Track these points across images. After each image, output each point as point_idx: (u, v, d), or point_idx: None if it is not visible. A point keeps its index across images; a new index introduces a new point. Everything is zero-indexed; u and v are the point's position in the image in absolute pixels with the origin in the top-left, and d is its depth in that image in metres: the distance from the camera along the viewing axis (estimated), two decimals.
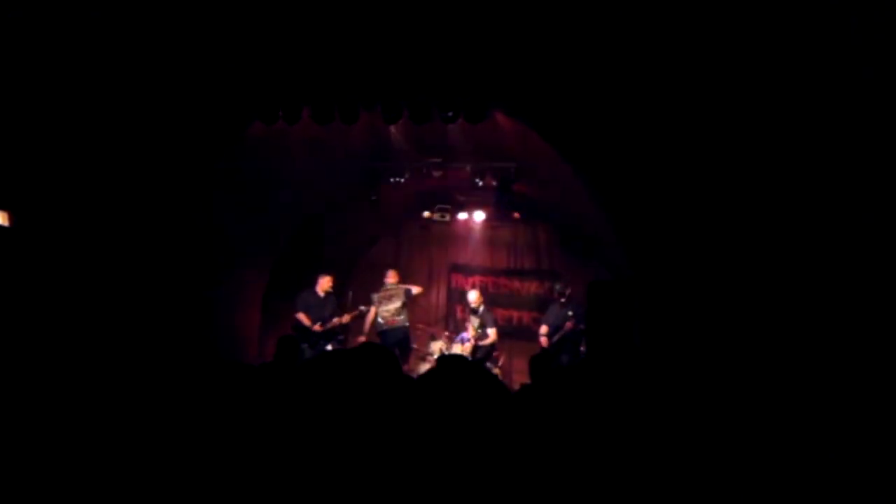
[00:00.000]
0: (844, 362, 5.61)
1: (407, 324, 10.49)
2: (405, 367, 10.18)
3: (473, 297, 10.62)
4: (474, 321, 10.40)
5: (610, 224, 8.05)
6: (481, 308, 10.50)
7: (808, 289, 5.96)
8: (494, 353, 10.40)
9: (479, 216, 11.63)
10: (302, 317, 9.89)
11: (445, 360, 4.23)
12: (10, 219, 7.09)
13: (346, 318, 10.11)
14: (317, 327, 9.83)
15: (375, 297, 10.54)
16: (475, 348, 10.19)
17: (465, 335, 10.48)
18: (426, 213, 11.69)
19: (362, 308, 10.23)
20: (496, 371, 9.99)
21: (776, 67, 5.94)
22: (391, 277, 10.75)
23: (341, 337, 10.19)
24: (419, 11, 6.61)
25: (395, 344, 10.13)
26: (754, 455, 4.40)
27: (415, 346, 10.71)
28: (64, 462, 2.27)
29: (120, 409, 2.42)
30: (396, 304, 10.41)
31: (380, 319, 10.40)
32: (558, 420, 3.00)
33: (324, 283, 10.15)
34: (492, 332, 10.35)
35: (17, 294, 6.71)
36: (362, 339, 10.16)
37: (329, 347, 9.73)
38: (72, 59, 6.95)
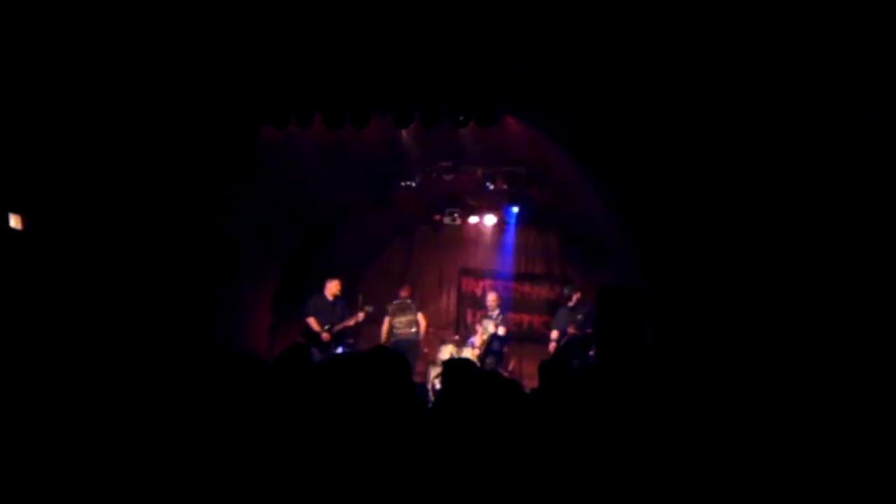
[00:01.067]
0: (858, 366, 5.58)
1: (417, 338, 10.63)
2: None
3: (491, 299, 10.65)
4: (488, 325, 10.38)
5: (621, 228, 8.03)
6: (496, 312, 10.49)
7: (821, 294, 5.92)
8: (504, 351, 10.41)
9: (490, 220, 11.62)
10: (312, 321, 9.91)
11: (452, 363, 4.22)
12: (24, 222, 7.14)
13: (360, 317, 10.12)
14: (325, 335, 9.83)
15: (390, 307, 10.71)
16: (486, 352, 10.18)
17: (473, 339, 10.47)
18: (437, 217, 11.69)
19: (368, 308, 10.22)
20: (506, 375, 9.96)
21: (784, 73, 5.92)
22: (405, 291, 11.01)
23: (351, 341, 10.19)
24: (430, 16, 6.62)
25: (405, 354, 10.15)
26: (765, 458, 4.37)
27: (425, 350, 10.71)
28: (70, 461, 2.27)
29: (127, 409, 2.43)
30: (409, 316, 10.54)
31: (395, 329, 10.51)
32: (567, 424, 2.99)
33: (332, 288, 10.16)
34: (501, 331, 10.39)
35: (30, 295, 6.75)
36: None
37: (339, 351, 9.74)
38: (86, 64, 6.99)
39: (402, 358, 2.04)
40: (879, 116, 5.52)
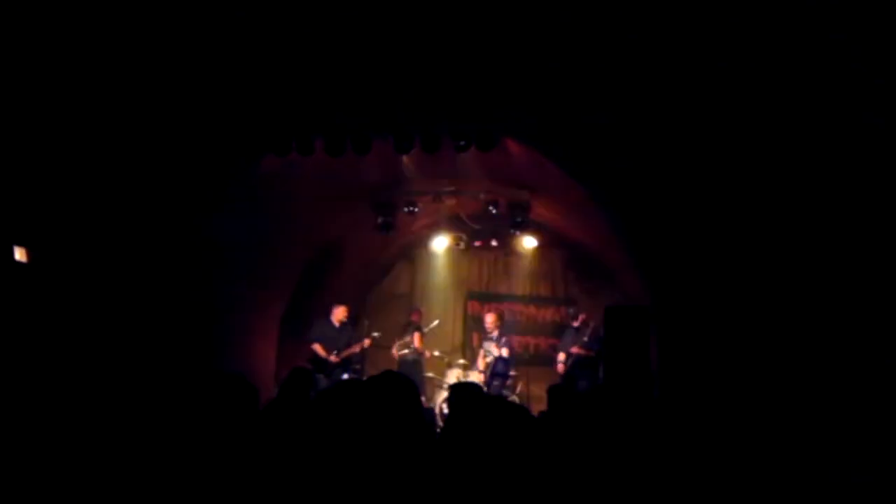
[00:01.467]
0: (867, 383, 5.53)
1: (414, 358, 10.67)
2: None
3: (489, 320, 10.58)
4: (490, 347, 10.33)
5: (624, 248, 8.02)
6: (496, 333, 10.45)
7: (827, 314, 5.89)
8: (509, 381, 10.32)
9: (494, 243, 11.62)
10: (318, 347, 9.89)
11: (458, 388, 4.20)
12: (28, 255, 7.16)
13: (366, 343, 10.10)
14: (333, 357, 9.82)
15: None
16: (491, 375, 10.13)
17: (477, 363, 10.45)
18: (441, 241, 11.70)
19: (375, 335, 10.22)
20: (514, 398, 9.92)
21: (789, 98, 5.93)
22: (415, 316, 11.13)
23: (357, 366, 10.16)
24: (428, 42, 6.66)
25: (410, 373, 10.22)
26: (771, 481, 4.33)
27: (429, 373, 10.67)
28: (71, 475, 2.27)
29: (131, 437, 2.42)
30: (406, 337, 10.77)
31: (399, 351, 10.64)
32: (576, 446, 2.97)
33: (339, 314, 10.16)
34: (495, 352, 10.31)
35: (34, 321, 6.77)
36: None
37: (345, 377, 9.70)
38: (88, 91, 7.04)
39: (410, 382, 2.03)
40: (880, 117, 5.51)
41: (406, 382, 2.01)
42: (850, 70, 5.52)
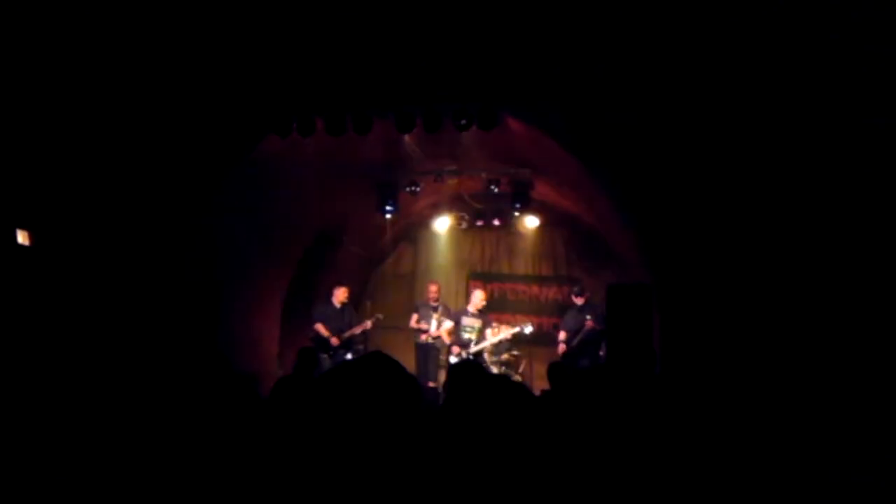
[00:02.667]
0: (868, 366, 5.54)
1: (432, 344, 10.54)
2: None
3: (479, 297, 10.50)
4: (474, 322, 10.29)
5: (627, 227, 8.01)
6: (480, 311, 10.43)
7: (831, 294, 5.89)
8: (512, 358, 10.35)
9: (496, 223, 11.60)
10: (320, 327, 9.93)
11: (458, 367, 4.22)
12: (31, 238, 7.18)
13: (368, 325, 10.12)
14: (334, 339, 9.86)
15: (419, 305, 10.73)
16: (469, 352, 10.12)
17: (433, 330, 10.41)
18: (443, 221, 11.69)
19: (379, 316, 10.24)
20: (517, 377, 9.94)
21: (784, 68, 5.90)
22: (433, 291, 10.79)
23: (360, 347, 10.20)
24: (429, 20, 6.63)
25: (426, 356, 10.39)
26: (772, 459, 4.34)
27: (441, 356, 10.68)
28: (73, 465, 2.28)
29: (133, 419, 2.43)
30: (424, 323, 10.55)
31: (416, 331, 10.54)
32: (578, 423, 2.98)
33: (340, 295, 10.19)
34: (489, 333, 10.24)
35: (36, 306, 6.79)
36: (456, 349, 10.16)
37: (349, 357, 9.74)
38: (88, 75, 7.03)
39: (395, 363, 2.01)
40: (881, 117, 5.51)
41: (389, 363, 1.99)
42: (852, 64, 5.51)
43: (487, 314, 10.62)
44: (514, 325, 10.33)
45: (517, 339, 10.26)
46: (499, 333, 10.17)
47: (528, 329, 10.07)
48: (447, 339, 10.32)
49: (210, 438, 2.12)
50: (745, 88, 6.15)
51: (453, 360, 10.03)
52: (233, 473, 1.97)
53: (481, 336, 10.22)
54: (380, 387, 1.78)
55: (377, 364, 1.83)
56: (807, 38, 5.74)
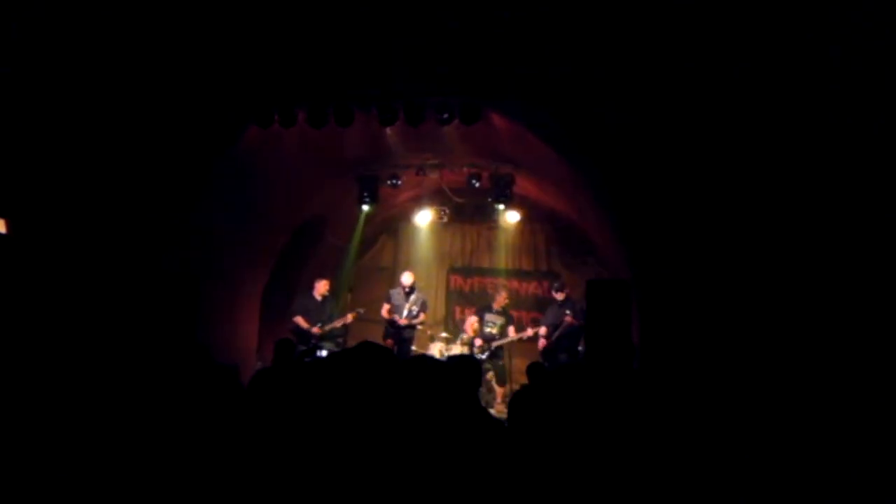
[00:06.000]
0: (845, 363, 5.62)
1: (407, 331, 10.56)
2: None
3: (503, 296, 10.83)
4: (497, 319, 10.55)
5: (607, 223, 8.06)
6: (503, 309, 10.72)
7: (808, 289, 5.96)
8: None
9: (477, 217, 11.63)
10: (300, 320, 9.91)
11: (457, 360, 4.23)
12: (8, 226, 7.09)
13: (349, 318, 10.11)
14: (315, 330, 9.84)
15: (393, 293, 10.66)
16: (492, 346, 10.31)
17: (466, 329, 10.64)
18: (424, 214, 11.68)
19: (360, 310, 10.23)
20: (489, 375, 10.23)
21: (776, 73, 5.96)
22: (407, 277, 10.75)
23: (340, 339, 10.18)
24: (413, 13, 6.62)
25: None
26: (752, 455, 4.39)
27: (414, 347, 10.71)
28: (59, 461, 2.27)
29: (115, 411, 2.42)
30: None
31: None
32: (556, 418, 3.00)
33: (321, 288, 10.17)
34: (511, 330, 10.52)
35: (15, 298, 6.72)
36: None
37: (326, 349, 9.75)
38: (69, 64, 6.95)
39: (388, 351, 2.03)
40: (873, 118, 5.58)
41: (385, 351, 2.01)
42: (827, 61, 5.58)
43: (510, 312, 10.82)
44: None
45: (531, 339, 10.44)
46: (518, 333, 10.47)
47: (543, 331, 10.21)
48: (471, 333, 10.50)
49: (194, 428, 2.11)
50: (728, 87, 6.19)
51: (478, 355, 10.21)
52: (218, 463, 1.97)
53: (503, 332, 10.46)
54: (377, 376, 1.78)
55: (370, 354, 1.84)
56: (786, 34, 5.80)
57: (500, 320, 10.56)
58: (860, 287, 5.70)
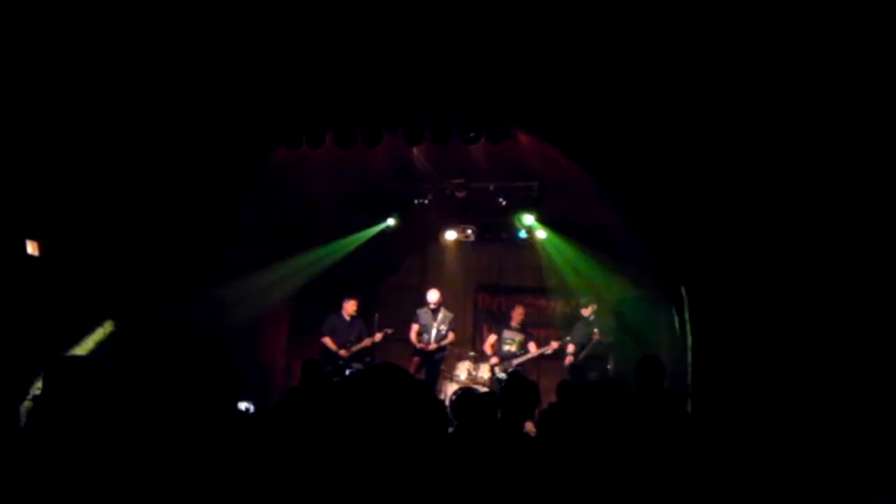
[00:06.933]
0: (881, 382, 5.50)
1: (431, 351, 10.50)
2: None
3: (519, 312, 10.67)
4: (515, 336, 10.46)
5: (636, 239, 7.99)
6: (521, 325, 10.62)
7: (849, 305, 5.85)
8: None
9: (504, 235, 11.59)
10: (328, 341, 9.92)
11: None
12: (41, 248, 7.19)
13: (377, 337, 10.09)
14: (343, 352, 9.84)
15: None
16: (512, 363, 10.21)
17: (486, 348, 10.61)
18: (451, 233, 11.68)
19: (388, 330, 10.20)
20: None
21: (790, 80, 5.90)
22: (434, 297, 10.71)
23: (368, 359, 10.16)
24: (439, 33, 6.65)
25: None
26: (786, 475, 4.31)
27: (442, 367, 10.66)
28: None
29: (136, 432, 2.43)
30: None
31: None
32: (586, 435, 2.96)
33: (349, 307, 10.17)
34: (532, 346, 10.42)
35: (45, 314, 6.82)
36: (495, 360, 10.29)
37: (350, 370, 9.74)
38: (99, 86, 7.06)
39: (404, 372, 2.00)
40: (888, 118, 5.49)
41: (402, 373, 1.98)
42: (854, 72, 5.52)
43: (528, 329, 10.71)
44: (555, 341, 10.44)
45: (556, 355, 10.31)
46: (540, 349, 10.35)
47: (570, 347, 10.11)
48: (489, 351, 10.46)
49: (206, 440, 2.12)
50: (754, 96, 6.14)
51: (499, 374, 10.11)
52: (237, 480, 1.97)
53: (523, 349, 10.36)
54: (391, 398, 1.76)
55: (386, 376, 1.82)
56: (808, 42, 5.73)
57: (518, 337, 10.44)
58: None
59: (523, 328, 10.59)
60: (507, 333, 10.55)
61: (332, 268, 10.93)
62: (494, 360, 10.30)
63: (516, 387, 4.10)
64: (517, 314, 10.63)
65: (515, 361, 10.24)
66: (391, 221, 10.69)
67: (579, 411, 3.14)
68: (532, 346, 10.38)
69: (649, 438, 2.91)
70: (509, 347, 10.39)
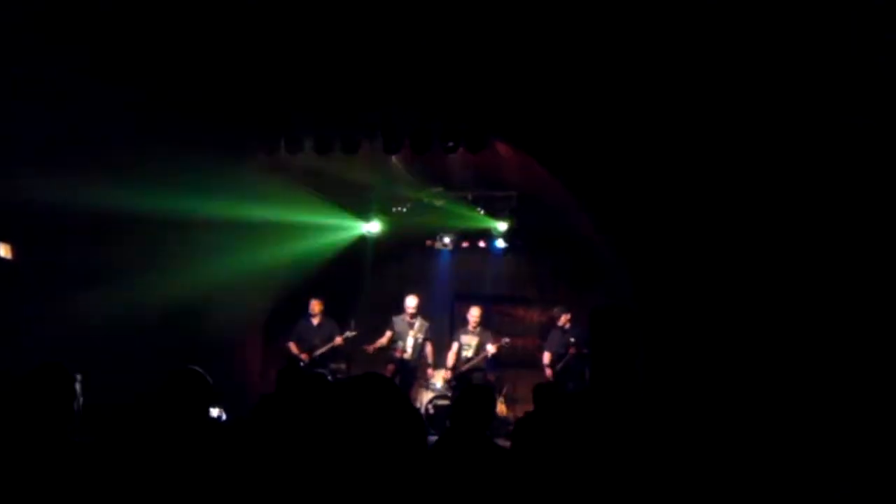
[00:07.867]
0: (852, 394, 5.56)
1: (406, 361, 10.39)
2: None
3: (475, 314, 10.48)
4: (471, 340, 10.29)
5: (612, 249, 8.04)
6: (477, 329, 10.42)
7: (813, 316, 5.92)
8: (489, 378, 10.26)
9: (482, 244, 11.61)
10: (291, 346, 9.86)
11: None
12: (13, 251, 7.10)
13: (338, 341, 9.99)
14: (304, 356, 9.74)
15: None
16: (469, 368, 10.12)
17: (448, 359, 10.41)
18: (429, 242, 11.67)
19: (349, 334, 10.08)
20: (499, 399, 9.94)
21: (776, 97, 5.97)
22: (410, 305, 10.58)
23: (342, 366, 10.06)
24: (420, 42, 6.66)
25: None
26: (758, 482, 4.34)
27: (417, 374, 10.61)
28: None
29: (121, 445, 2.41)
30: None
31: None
32: (563, 446, 2.97)
33: (314, 307, 10.06)
34: (491, 348, 10.24)
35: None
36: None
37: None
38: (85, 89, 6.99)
39: (388, 381, 1.99)
40: (870, 119, 5.54)
41: (387, 383, 1.97)
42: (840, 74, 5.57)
43: (486, 329, 10.55)
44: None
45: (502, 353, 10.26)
46: (495, 343, 10.23)
47: (545, 353, 10.06)
48: (451, 361, 10.25)
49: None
50: (730, 108, 6.20)
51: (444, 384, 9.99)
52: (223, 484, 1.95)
53: (482, 351, 10.21)
54: (374, 407, 1.75)
55: (372, 386, 1.81)
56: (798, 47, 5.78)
57: (474, 341, 10.29)
58: (878, 315, 5.64)
59: (483, 329, 10.42)
60: (464, 339, 10.37)
61: (308, 274, 10.87)
62: (447, 373, 10.13)
63: (467, 396, 4.06)
64: (472, 316, 10.42)
65: (465, 367, 10.12)
66: (369, 228, 10.62)
67: (560, 425, 3.15)
68: (491, 347, 10.19)
69: (625, 448, 2.93)
70: (466, 353, 10.23)
